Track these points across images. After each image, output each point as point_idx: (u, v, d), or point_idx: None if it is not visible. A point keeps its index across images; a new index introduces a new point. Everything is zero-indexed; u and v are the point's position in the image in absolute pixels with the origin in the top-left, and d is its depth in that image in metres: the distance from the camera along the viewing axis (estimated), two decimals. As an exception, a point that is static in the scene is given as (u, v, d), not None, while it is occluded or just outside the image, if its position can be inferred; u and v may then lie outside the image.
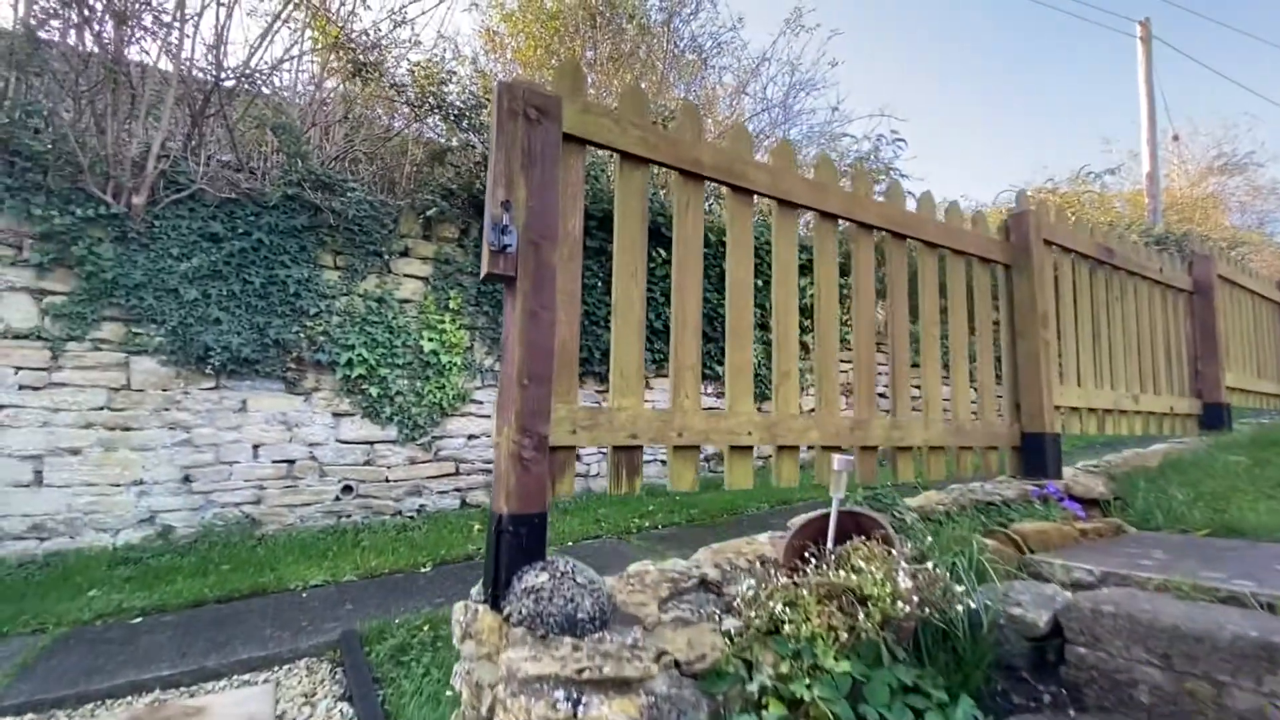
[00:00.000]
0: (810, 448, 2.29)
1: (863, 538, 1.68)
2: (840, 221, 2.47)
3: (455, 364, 5.36)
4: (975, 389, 3.08)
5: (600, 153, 4.59)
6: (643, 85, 7.14)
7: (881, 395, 6.68)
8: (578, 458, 1.64)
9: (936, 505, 2.49)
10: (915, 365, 2.78)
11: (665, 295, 5.98)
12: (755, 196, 2.20)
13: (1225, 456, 3.55)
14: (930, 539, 2.21)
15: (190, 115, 4.82)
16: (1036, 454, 2.97)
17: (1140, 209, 12.78)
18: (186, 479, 4.43)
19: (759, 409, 2.16)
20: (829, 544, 1.74)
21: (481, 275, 1.59)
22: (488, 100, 6.81)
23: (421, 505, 5.21)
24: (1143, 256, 4.09)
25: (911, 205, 2.82)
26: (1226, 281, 4.83)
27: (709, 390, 6.63)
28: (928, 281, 2.80)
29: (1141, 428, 3.89)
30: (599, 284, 5.84)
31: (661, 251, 6.10)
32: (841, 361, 6.10)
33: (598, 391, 6.06)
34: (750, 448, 2.12)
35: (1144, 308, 4.08)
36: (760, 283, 5.92)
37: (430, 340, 5.24)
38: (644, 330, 1.91)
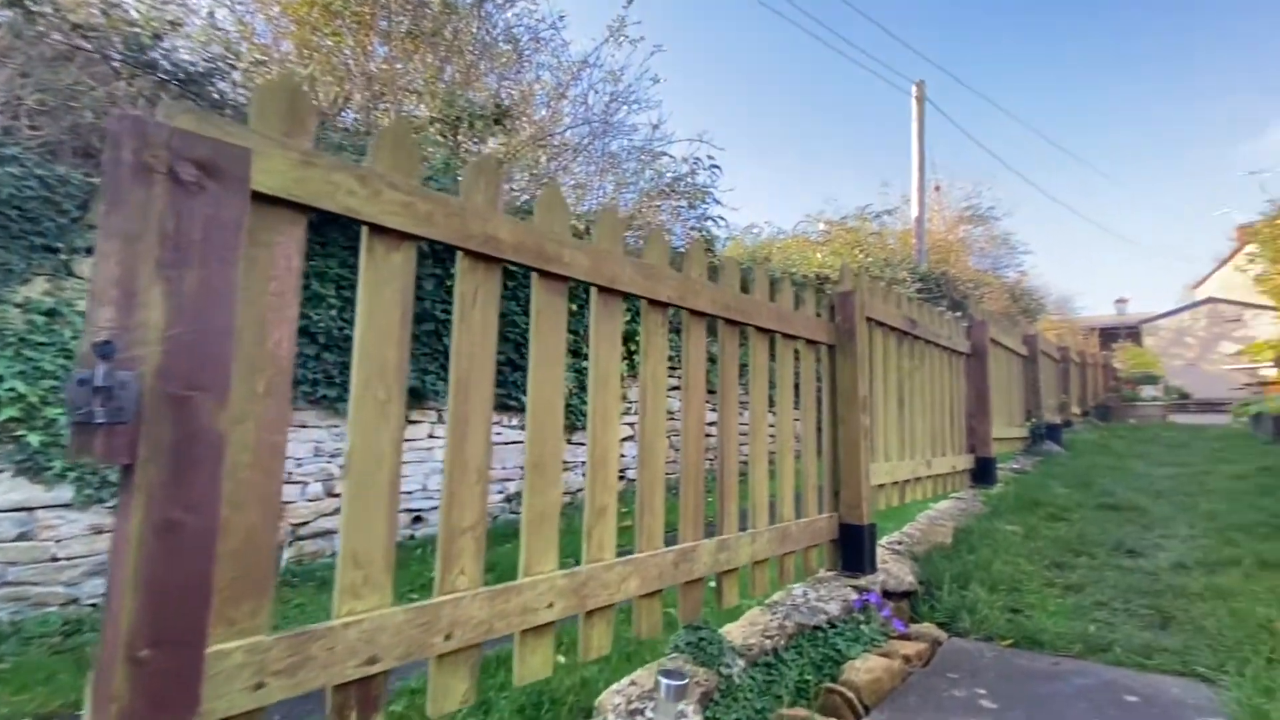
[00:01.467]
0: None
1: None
2: (670, 309, 2.01)
3: (180, 398, 4.13)
4: (799, 472, 2.85)
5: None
6: (449, 70, 6.24)
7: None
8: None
9: (764, 638, 2.16)
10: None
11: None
12: (570, 283, 1.66)
13: (1002, 525, 3.77)
14: (761, 704, 1.86)
15: None
16: (854, 547, 2.81)
17: (909, 247, 14.47)
18: None
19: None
20: (652, 805, 1.26)
21: (68, 458, 0.85)
22: (236, 65, 5.48)
23: (120, 586, 3.94)
24: (937, 324, 4.25)
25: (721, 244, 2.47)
26: (994, 343, 5.30)
27: (512, 423, 5.95)
28: (758, 370, 2.47)
29: (933, 491, 4.03)
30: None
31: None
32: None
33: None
34: (552, 623, 1.58)
35: (936, 373, 4.24)
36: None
37: (142, 368, 3.97)
38: (397, 494, 1.28)
